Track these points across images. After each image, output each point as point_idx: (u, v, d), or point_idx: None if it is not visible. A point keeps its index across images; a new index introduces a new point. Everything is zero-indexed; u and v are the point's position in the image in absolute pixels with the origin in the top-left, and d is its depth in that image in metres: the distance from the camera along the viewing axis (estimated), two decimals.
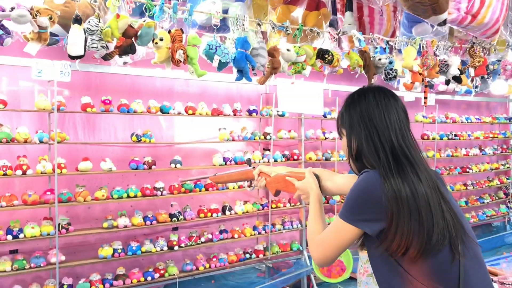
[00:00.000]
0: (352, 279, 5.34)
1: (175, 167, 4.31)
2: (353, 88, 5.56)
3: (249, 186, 1.95)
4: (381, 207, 1.33)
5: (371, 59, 2.93)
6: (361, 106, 1.49)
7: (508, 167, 7.27)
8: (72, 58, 2.11)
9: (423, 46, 2.97)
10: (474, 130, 6.86)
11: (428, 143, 6.29)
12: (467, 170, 6.58)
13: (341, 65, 2.85)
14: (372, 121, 1.44)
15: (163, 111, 4.24)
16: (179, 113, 4.33)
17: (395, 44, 2.97)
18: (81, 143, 4.06)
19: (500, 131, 7.19)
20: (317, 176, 1.68)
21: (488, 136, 6.87)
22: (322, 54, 2.74)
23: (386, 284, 1.42)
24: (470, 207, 6.69)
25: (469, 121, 6.62)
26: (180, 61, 2.20)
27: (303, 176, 1.69)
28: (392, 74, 2.98)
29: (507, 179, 7.25)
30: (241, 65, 2.31)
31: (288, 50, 2.53)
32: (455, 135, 6.46)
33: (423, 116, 6.08)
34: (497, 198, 7.15)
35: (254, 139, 4.80)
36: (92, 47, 2.06)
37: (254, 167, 1.83)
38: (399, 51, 3.39)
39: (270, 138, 4.87)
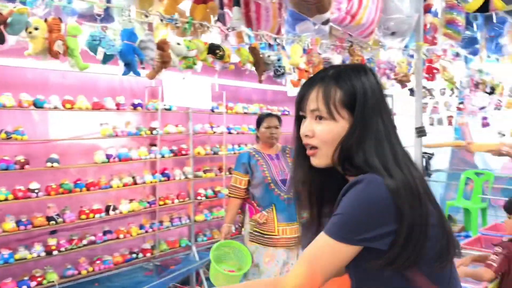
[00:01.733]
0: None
1: (52, 166, 3.98)
2: (240, 83, 5.52)
3: None
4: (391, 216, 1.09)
5: (261, 55, 2.97)
6: (375, 83, 1.20)
7: None
8: None
9: (308, 44, 3.09)
10: None
11: None
12: None
13: (231, 60, 2.85)
14: (386, 106, 1.20)
15: (37, 105, 3.89)
16: (55, 108, 4.01)
17: (282, 41, 3.04)
18: None
19: None
20: None
21: None
22: (213, 50, 2.71)
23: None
24: None
25: None
26: (59, 53, 2.01)
27: None
28: (280, 71, 3.05)
29: None
30: (128, 58, 2.18)
31: (178, 44, 2.45)
32: None
33: None
34: None
35: (140, 135, 4.62)
36: None
37: None
38: (283, 47, 3.49)
39: (157, 133, 4.73)
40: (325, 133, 1.18)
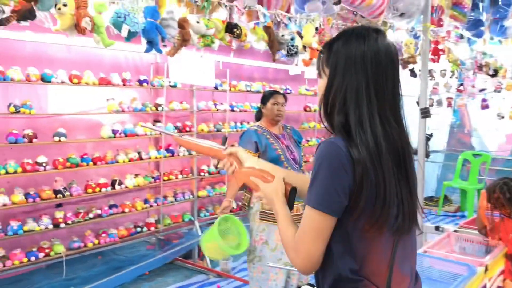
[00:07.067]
0: None
1: (59, 140, 4.02)
2: (242, 60, 5.53)
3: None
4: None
5: (275, 34, 3.00)
6: (366, 48, 1.21)
7: None
8: None
9: (320, 24, 3.12)
10: None
11: (310, 114, 6.65)
12: None
13: (248, 39, 2.87)
14: (378, 70, 1.20)
15: (45, 79, 3.90)
16: (62, 82, 4.02)
17: (296, 20, 3.07)
18: None
19: None
20: (293, 191, 1.42)
21: None
22: (231, 28, 2.73)
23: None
24: None
25: None
26: (87, 29, 2.04)
27: (271, 180, 1.43)
28: (293, 50, 3.08)
29: None
30: (151, 36, 2.20)
31: (197, 22, 2.48)
32: None
33: (306, 89, 6.39)
34: None
35: (145, 111, 4.65)
36: None
37: (226, 147, 1.55)
38: (286, 25, 3.50)
39: (162, 110, 4.76)
40: (318, 90, 1.30)
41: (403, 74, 5.24)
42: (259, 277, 3.76)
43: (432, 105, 7.05)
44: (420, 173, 3.70)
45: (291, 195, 1.42)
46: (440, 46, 4.37)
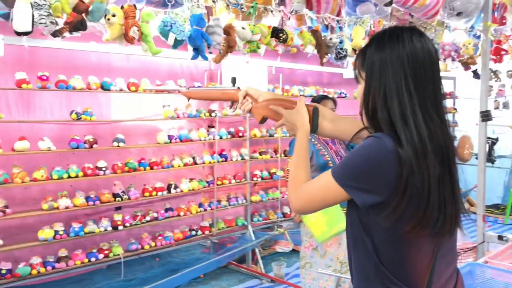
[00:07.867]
0: (295, 251, 5.51)
1: (118, 145, 4.18)
2: (294, 65, 5.52)
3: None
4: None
5: (323, 38, 2.96)
6: (401, 47, 1.18)
7: None
8: (19, 34, 1.97)
9: (370, 26, 3.05)
10: None
11: None
12: None
13: (294, 44, 2.86)
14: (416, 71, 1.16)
15: (104, 87, 4.08)
16: (121, 90, 4.18)
17: (345, 23, 3.01)
18: (16, 122, 3.83)
19: None
20: (316, 111, 1.42)
21: None
22: (276, 33, 2.74)
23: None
24: None
25: None
26: (134, 38, 2.12)
27: (293, 106, 1.43)
28: (342, 54, 3.03)
29: None
30: (197, 43, 2.25)
31: (243, 28, 2.50)
32: None
33: None
34: None
35: (199, 117, 4.75)
36: (41, 23, 1.92)
37: (239, 88, 1.56)
38: (340, 28, 3.44)
39: (215, 115, 4.84)
40: (357, 96, 1.29)
41: (466, 75, 5.03)
42: (311, 283, 3.71)
43: (497, 108, 6.69)
44: (481, 178, 3.52)
45: (314, 115, 1.42)
46: (503, 46, 4.14)
